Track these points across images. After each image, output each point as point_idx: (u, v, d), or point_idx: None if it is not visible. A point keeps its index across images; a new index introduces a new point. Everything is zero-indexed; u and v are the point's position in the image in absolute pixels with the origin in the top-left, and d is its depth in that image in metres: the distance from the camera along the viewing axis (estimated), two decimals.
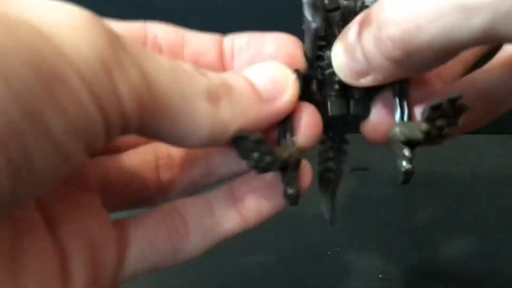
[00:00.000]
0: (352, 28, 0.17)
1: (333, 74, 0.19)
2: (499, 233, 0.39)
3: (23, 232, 0.15)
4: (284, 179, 0.18)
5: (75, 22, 0.13)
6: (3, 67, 0.10)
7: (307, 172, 0.19)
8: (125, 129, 0.14)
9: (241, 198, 0.19)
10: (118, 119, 0.13)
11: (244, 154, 0.17)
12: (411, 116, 0.19)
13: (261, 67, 0.18)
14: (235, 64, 0.19)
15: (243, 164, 0.19)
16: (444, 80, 0.21)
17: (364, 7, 0.18)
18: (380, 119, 0.20)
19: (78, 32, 0.12)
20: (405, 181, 0.18)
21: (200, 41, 0.19)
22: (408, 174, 0.18)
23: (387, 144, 0.20)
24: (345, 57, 0.18)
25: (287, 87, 0.18)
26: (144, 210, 0.20)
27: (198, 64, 0.18)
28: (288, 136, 0.18)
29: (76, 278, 0.16)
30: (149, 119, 0.14)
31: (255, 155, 0.17)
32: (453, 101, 0.17)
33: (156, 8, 0.38)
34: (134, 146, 0.21)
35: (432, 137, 0.18)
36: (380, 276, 0.37)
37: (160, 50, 0.18)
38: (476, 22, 0.14)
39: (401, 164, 0.18)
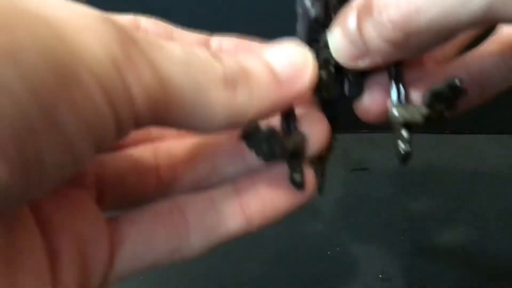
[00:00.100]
0: (351, 11, 0.17)
1: (329, 56, 0.19)
2: (499, 233, 0.39)
3: (16, 229, 0.14)
4: (290, 166, 0.18)
5: (86, 22, 0.13)
6: (22, 62, 0.11)
7: (310, 142, 0.19)
8: (137, 126, 0.14)
9: (246, 198, 0.19)
10: (130, 119, 0.13)
11: (254, 146, 0.17)
12: (407, 97, 0.19)
13: (280, 49, 0.18)
14: None
15: (249, 164, 0.19)
16: (437, 61, 0.21)
17: None
18: (374, 99, 0.20)
19: (89, 32, 0.12)
20: (404, 162, 0.19)
21: (188, 40, 0.19)
22: (406, 155, 0.19)
23: (381, 122, 0.20)
24: (343, 41, 0.18)
25: (306, 68, 0.17)
26: None
27: None
28: (291, 123, 0.18)
29: (65, 275, 0.16)
30: (162, 113, 0.14)
31: (265, 147, 0.17)
32: (453, 86, 0.17)
33: (151, 7, 0.38)
34: (135, 144, 0.21)
35: (431, 120, 0.18)
36: (380, 276, 0.37)
37: None
38: (474, 4, 0.14)
39: (400, 145, 0.19)
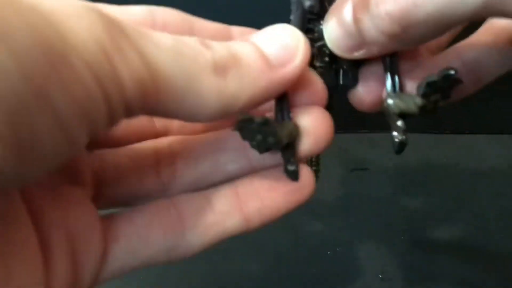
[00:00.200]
0: (346, 2, 0.17)
1: (324, 46, 0.19)
2: (499, 233, 0.39)
3: (9, 222, 0.15)
4: (284, 156, 0.18)
5: (74, 10, 0.13)
6: (13, 43, 0.11)
7: (304, 144, 0.18)
8: (129, 112, 0.14)
9: (244, 197, 0.18)
10: (120, 102, 0.13)
11: (247, 136, 0.17)
12: (401, 86, 0.19)
13: (270, 32, 0.17)
14: None
15: (251, 161, 0.19)
16: (431, 50, 0.21)
17: None
18: (368, 88, 0.20)
19: (77, 20, 0.13)
20: (399, 151, 0.19)
21: (209, 31, 0.19)
22: (402, 144, 0.19)
23: (375, 111, 0.20)
24: (339, 32, 0.18)
25: (298, 50, 0.17)
26: None
27: None
28: (285, 112, 0.18)
29: (57, 269, 0.16)
30: (153, 99, 0.14)
31: (259, 136, 0.17)
32: (448, 77, 0.17)
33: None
34: (136, 140, 0.20)
35: (426, 111, 0.18)
36: (380, 276, 0.37)
37: None
38: (471, 1, 0.15)
39: (396, 135, 0.19)
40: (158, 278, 0.37)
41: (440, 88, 0.18)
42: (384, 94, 0.19)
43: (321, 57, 0.20)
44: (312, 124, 0.18)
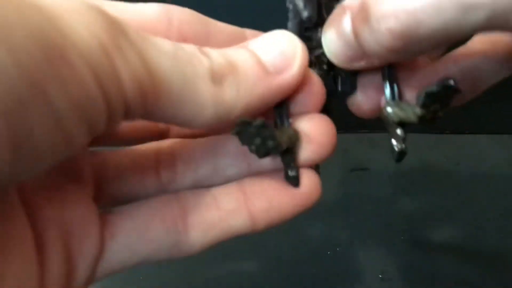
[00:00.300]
0: (343, 13, 0.17)
1: (322, 55, 0.19)
2: (499, 233, 0.39)
3: (5, 218, 0.14)
4: (284, 161, 0.18)
5: (75, 8, 0.13)
6: (10, 39, 0.11)
7: (306, 152, 0.18)
8: (127, 114, 0.14)
9: (252, 196, 0.18)
10: (119, 102, 0.13)
11: (246, 140, 0.17)
12: (400, 94, 0.19)
13: (267, 39, 0.17)
14: None
15: (252, 166, 0.19)
16: (429, 57, 0.21)
17: None
18: (367, 95, 0.20)
19: (78, 18, 0.13)
20: (399, 160, 0.19)
21: (224, 34, 0.19)
22: (401, 153, 0.19)
23: (374, 117, 0.20)
24: (338, 44, 0.18)
25: (295, 58, 0.17)
26: None
27: None
28: (285, 117, 0.18)
29: (51, 265, 0.16)
30: (151, 103, 0.14)
31: (257, 140, 0.16)
32: (447, 87, 0.17)
33: None
34: (140, 139, 0.20)
35: (425, 120, 0.18)
36: (380, 276, 0.37)
37: (184, 40, 0.18)
38: (474, 18, 0.14)
39: (395, 144, 0.19)
40: (158, 278, 0.37)
41: (439, 98, 0.18)
42: (383, 102, 0.19)
43: (319, 65, 0.19)
44: (314, 131, 0.18)
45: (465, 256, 0.38)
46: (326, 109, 0.20)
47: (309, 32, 0.19)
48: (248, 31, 0.20)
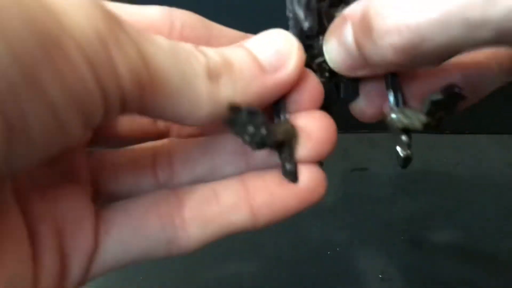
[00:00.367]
0: (344, 24, 0.17)
1: (324, 62, 0.19)
2: (499, 233, 0.39)
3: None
4: (281, 156, 0.18)
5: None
6: (4, 26, 0.11)
7: (305, 146, 0.18)
8: (124, 107, 0.14)
9: (253, 191, 0.18)
10: (116, 95, 0.13)
11: (238, 129, 0.16)
12: (404, 100, 0.19)
13: (264, 37, 0.17)
14: None
15: (250, 165, 0.19)
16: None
17: None
18: (370, 100, 0.20)
19: (77, 8, 0.13)
20: (404, 166, 0.19)
21: (227, 37, 0.19)
22: (407, 159, 0.19)
23: (377, 121, 0.20)
24: (340, 54, 0.18)
25: (291, 55, 0.17)
26: None
27: None
28: (282, 112, 0.18)
29: (45, 261, 0.15)
30: (148, 97, 0.14)
31: (250, 129, 0.16)
32: (452, 95, 0.17)
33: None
34: (139, 139, 0.20)
35: (430, 126, 0.18)
36: (380, 276, 0.37)
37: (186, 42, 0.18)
38: (482, 35, 0.14)
39: (401, 151, 0.19)
40: (158, 278, 0.37)
41: (444, 105, 0.18)
42: (386, 108, 0.19)
43: (321, 73, 0.19)
44: (313, 127, 0.18)
45: (465, 256, 0.38)
46: (326, 108, 0.20)
47: (310, 41, 0.19)
48: (251, 36, 0.20)
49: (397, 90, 0.19)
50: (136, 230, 0.17)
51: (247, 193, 0.18)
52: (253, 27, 0.19)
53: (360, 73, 0.18)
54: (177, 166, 0.20)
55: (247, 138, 0.16)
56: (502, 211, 0.41)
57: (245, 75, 0.16)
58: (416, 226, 0.40)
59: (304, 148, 0.18)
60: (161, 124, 0.21)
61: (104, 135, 0.20)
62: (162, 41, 0.15)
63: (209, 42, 0.18)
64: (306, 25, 0.18)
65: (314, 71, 0.19)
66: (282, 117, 0.18)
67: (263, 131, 0.16)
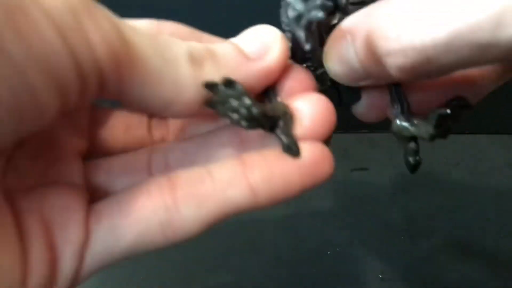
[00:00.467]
0: (345, 40, 0.17)
1: (324, 73, 0.19)
2: (499, 233, 0.39)
3: None
4: (277, 133, 0.17)
5: None
6: None
7: (301, 124, 0.17)
8: (102, 85, 0.14)
9: (252, 166, 0.17)
10: (90, 65, 0.13)
11: (222, 107, 0.16)
12: (409, 107, 0.19)
13: (249, 32, 0.18)
14: None
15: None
16: None
17: (348, 3, 0.18)
18: (372, 103, 0.20)
19: None
20: (414, 171, 0.20)
21: None
22: (416, 165, 0.20)
23: (379, 120, 0.20)
24: (341, 67, 0.18)
25: (274, 43, 0.17)
26: None
27: None
28: (271, 94, 0.18)
29: (34, 254, 0.15)
30: (128, 78, 0.14)
31: (233, 102, 0.15)
32: (459, 107, 0.17)
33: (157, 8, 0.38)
34: (134, 148, 0.20)
35: (437, 136, 0.19)
36: (380, 276, 0.37)
37: None
38: (490, 55, 0.14)
39: (410, 158, 0.19)
40: (158, 278, 0.37)
41: (452, 116, 0.18)
42: (390, 113, 0.19)
43: (322, 82, 0.19)
44: (308, 106, 0.17)
45: (465, 256, 0.38)
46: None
47: (309, 54, 0.19)
48: None
49: (402, 98, 0.19)
50: (127, 215, 0.16)
51: (244, 168, 0.17)
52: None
53: (362, 83, 0.18)
54: (173, 165, 0.19)
55: (233, 115, 0.16)
56: (502, 211, 0.41)
57: (230, 62, 0.16)
58: (416, 226, 0.40)
59: (301, 127, 0.17)
60: (157, 133, 0.21)
61: (99, 146, 0.20)
62: (142, 28, 0.15)
63: None
64: (307, 47, 0.18)
65: (317, 81, 0.19)
66: (272, 97, 0.18)
67: (247, 100, 0.16)
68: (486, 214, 0.41)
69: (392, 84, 0.19)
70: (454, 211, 0.41)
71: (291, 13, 0.18)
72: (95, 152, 0.20)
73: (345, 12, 0.18)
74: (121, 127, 0.20)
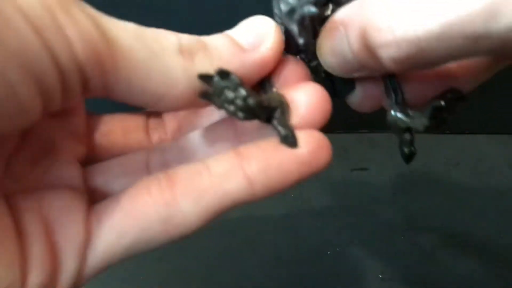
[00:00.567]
0: (338, 32, 0.17)
1: (318, 65, 0.19)
2: (499, 233, 0.39)
3: None
4: (273, 124, 0.17)
5: None
6: None
7: (297, 113, 0.17)
8: (85, 83, 0.14)
9: (248, 157, 0.16)
10: (70, 63, 0.13)
11: (217, 99, 0.16)
12: (404, 99, 0.19)
13: (243, 23, 0.18)
14: None
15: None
16: None
17: None
18: (366, 92, 0.20)
19: None
20: (409, 162, 0.20)
21: None
22: (411, 155, 0.20)
23: (375, 111, 0.20)
24: (335, 59, 0.18)
25: (268, 34, 0.17)
26: None
27: None
28: (267, 85, 0.18)
29: (34, 254, 0.15)
30: (112, 74, 0.14)
31: (229, 94, 0.15)
32: (453, 99, 0.17)
33: (154, 7, 0.38)
34: (132, 151, 0.20)
35: (432, 127, 0.19)
36: (380, 276, 0.37)
37: None
38: (482, 47, 0.14)
39: (404, 149, 0.19)
40: (158, 278, 0.37)
41: (446, 108, 0.18)
42: (385, 103, 0.19)
43: (316, 74, 0.19)
44: (303, 95, 0.17)
45: (465, 256, 0.38)
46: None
47: (303, 46, 0.19)
48: None
49: (397, 89, 0.19)
50: (127, 213, 0.16)
51: (240, 160, 0.17)
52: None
53: (356, 75, 0.18)
54: (171, 164, 0.19)
55: (229, 107, 0.16)
56: (502, 211, 0.41)
57: (223, 52, 0.16)
58: (416, 226, 0.40)
59: (297, 116, 0.17)
60: (155, 136, 0.21)
61: (98, 152, 0.20)
62: (126, 24, 0.15)
63: None
64: (300, 41, 0.18)
65: (311, 73, 0.19)
66: (267, 88, 0.18)
67: (243, 91, 0.15)
68: (486, 214, 0.41)
69: (386, 75, 0.19)
70: (454, 211, 0.41)
71: (283, 7, 0.18)
72: (94, 157, 0.20)
73: (338, 4, 0.17)
74: (119, 131, 0.20)
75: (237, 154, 0.17)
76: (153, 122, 0.21)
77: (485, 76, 0.20)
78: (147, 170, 0.19)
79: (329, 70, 0.18)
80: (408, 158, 0.20)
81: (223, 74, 0.15)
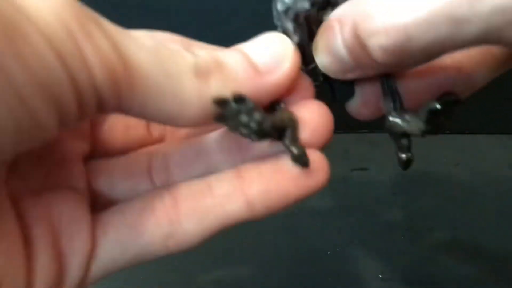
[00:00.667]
0: (333, 29, 0.17)
1: (316, 67, 0.19)
2: (499, 233, 0.39)
3: None
4: (285, 143, 0.17)
5: None
6: None
7: (303, 132, 0.17)
8: (101, 103, 0.14)
9: (249, 180, 0.17)
10: (89, 87, 0.13)
11: (231, 122, 0.16)
12: (402, 103, 0.19)
13: (259, 40, 0.17)
14: None
15: (246, 159, 0.19)
16: None
17: None
18: (365, 99, 0.20)
19: (44, 3, 0.13)
20: (406, 168, 0.19)
21: None
22: (408, 162, 0.19)
23: (374, 118, 0.20)
24: (330, 58, 0.18)
25: (286, 56, 0.17)
26: None
27: None
28: (277, 106, 0.18)
29: (39, 262, 0.15)
30: (126, 93, 0.14)
31: (243, 118, 0.16)
32: (449, 103, 0.17)
33: (154, 8, 0.38)
34: (134, 150, 0.21)
35: (429, 132, 0.18)
36: (380, 276, 0.37)
37: None
38: (468, 32, 0.14)
39: (401, 155, 0.19)
40: (158, 278, 0.37)
41: (442, 112, 0.18)
42: (383, 109, 0.19)
43: (314, 78, 0.19)
44: (309, 114, 0.17)
45: (465, 256, 0.38)
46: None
47: (300, 47, 0.19)
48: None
49: (395, 94, 0.19)
50: (132, 229, 0.17)
51: (242, 182, 0.17)
52: (248, 32, 0.20)
53: (351, 75, 0.18)
54: (172, 168, 0.19)
55: (243, 130, 0.16)
56: (502, 211, 0.41)
57: (238, 75, 0.16)
58: (416, 226, 0.40)
59: (304, 135, 0.17)
60: (155, 132, 0.21)
61: (100, 147, 0.20)
62: (145, 40, 0.15)
63: None
64: (295, 39, 0.18)
65: (308, 74, 0.19)
66: (277, 107, 0.18)
67: (257, 116, 0.16)
68: (486, 214, 0.41)
69: (383, 77, 0.19)
70: (454, 211, 0.41)
71: (280, 7, 0.18)
72: (96, 153, 0.20)
73: (335, 6, 0.18)
74: (120, 127, 0.20)
75: (238, 176, 0.17)
76: None
77: (497, 71, 0.20)
78: (149, 174, 0.19)
79: (324, 71, 0.18)
80: (406, 164, 0.19)
81: (239, 99, 0.15)
